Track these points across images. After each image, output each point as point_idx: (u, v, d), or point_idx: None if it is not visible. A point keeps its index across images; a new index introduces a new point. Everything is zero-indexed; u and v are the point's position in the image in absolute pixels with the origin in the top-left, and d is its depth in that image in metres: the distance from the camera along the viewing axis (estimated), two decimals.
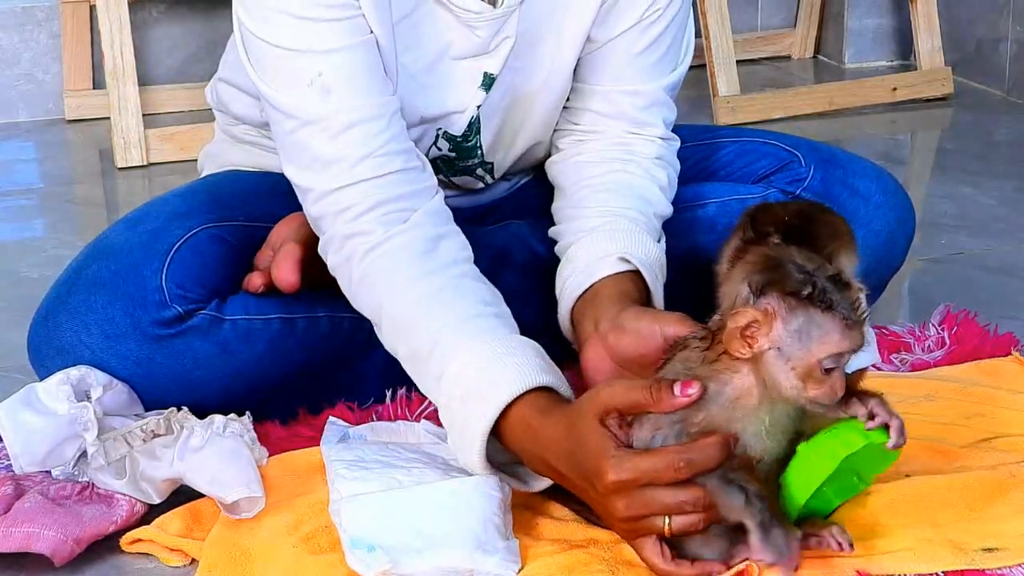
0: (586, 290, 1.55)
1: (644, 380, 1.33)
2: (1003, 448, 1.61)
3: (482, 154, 1.72)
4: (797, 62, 3.64)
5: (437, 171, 1.68)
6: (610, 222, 1.60)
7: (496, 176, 1.78)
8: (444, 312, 1.47)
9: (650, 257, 1.57)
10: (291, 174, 1.58)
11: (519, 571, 1.38)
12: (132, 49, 2.93)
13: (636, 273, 1.55)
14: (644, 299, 1.54)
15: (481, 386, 1.40)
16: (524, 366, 1.41)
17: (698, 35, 3.25)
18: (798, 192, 1.78)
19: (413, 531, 1.39)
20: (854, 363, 1.46)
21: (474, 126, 1.68)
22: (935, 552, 1.40)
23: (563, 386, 1.42)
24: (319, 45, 1.51)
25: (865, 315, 1.30)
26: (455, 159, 1.71)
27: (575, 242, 1.61)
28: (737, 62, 3.17)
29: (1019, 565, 1.40)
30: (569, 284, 1.57)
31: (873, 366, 1.76)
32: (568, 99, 1.72)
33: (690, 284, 1.52)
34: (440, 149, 1.69)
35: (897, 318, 2.04)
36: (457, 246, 1.55)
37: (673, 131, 1.77)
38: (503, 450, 1.43)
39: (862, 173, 1.81)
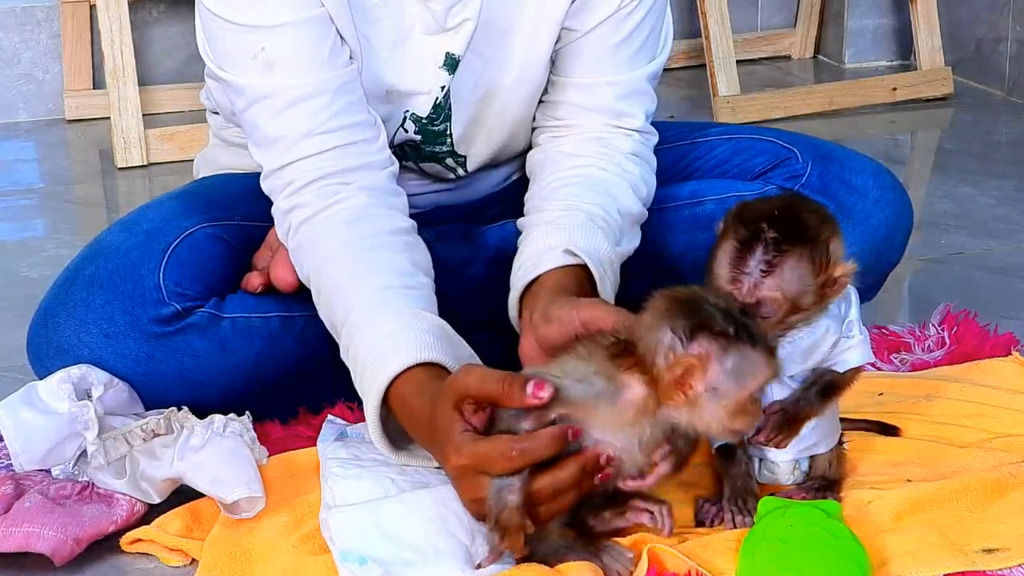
0: (531, 282, 1.55)
1: (500, 373, 1.33)
2: (1003, 448, 1.61)
3: (451, 143, 1.72)
4: (797, 62, 3.64)
5: (405, 157, 1.70)
6: (565, 216, 1.59)
7: (469, 169, 1.77)
8: (355, 286, 1.50)
9: (598, 252, 1.56)
10: (252, 153, 1.62)
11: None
12: (132, 49, 2.93)
13: (583, 267, 1.54)
14: (588, 292, 1.53)
15: (372, 362, 1.43)
16: (411, 343, 1.42)
17: (698, 35, 3.26)
18: (796, 188, 1.78)
19: (402, 544, 1.39)
20: (847, 362, 1.47)
21: (441, 109, 1.68)
22: (935, 555, 1.40)
23: (451, 361, 1.43)
24: (265, 20, 1.54)
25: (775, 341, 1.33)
26: (421, 143, 1.72)
27: (528, 234, 1.61)
28: (737, 62, 3.17)
29: (1020, 566, 1.40)
30: (517, 276, 1.57)
31: (872, 366, 1.77)
32: (546, 93, 1.72)
33: (689, 281, 1.52)
34: (407, 131, 1.70)
35: (897, 318, 2.04)
36: (389, 218, 1.57)
37: (670, 128, 1.76)
38: None
39: (859, 169, 1.81)
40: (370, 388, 1.43)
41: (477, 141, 1.73)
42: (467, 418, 1.33)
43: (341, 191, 1.56)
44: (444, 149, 1.73)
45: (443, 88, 1.66)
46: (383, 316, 1.46)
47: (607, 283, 1.55)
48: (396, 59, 1.63)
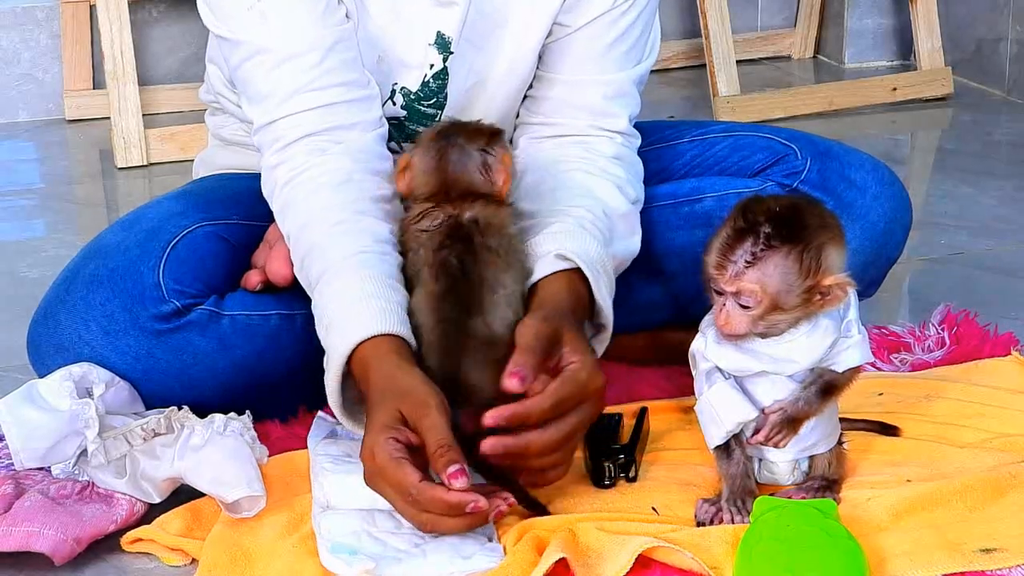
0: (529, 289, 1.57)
1: (445, 437, 1.37)
2: (1003, 448, 1.61)
3: None
4: (797, 62, 3.64)
5: (389, 138, 1.70)
6: (553, 222, 1.60)
7: None
8: (334, 247, 1.52)
9: (589, 254, 1.57)
10: (244, 109, 1.65)
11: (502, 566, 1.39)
12: (132, 49, 2.93)
13: (577, 270, 1.55)
14: (582, 294, 1.54)
15: (340, 321, 1.46)
16: (383, 312, 1.45)
17: (698, 35, 3.26)
18: (795, 185, 1.78)
19: (392, 546, 1.40)
20: (846, 362, 1.47)
21: (432, 92, 1.69)
22: (932, 554, 1.40)
23: (412, 337, 1.46)
24: None
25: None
26: (405, 120, 1.72)
27: None
28: (737, 62, 3.17)
29: (1018, 566, 1.39)
30: None
31: (872, 366, 1.77)
32: (532, 88, 1.73)
33: (689, 277, 1.52)
34: (395, 104, 1.71)
35: (897, 318, 2.04)
36: (372, 183, 1.59)
37: (669, 127, 1.76)
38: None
39: (858, 165, 1.81)
40: (337, 346, 1.45)
41: None
42: (401, 433, 1.38)
43: (328, 149, 1.58)
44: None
45: (432, 67, 1.67)
46: (358, 278, 1.48)
47: (601, 284, 1.55)
48: (389, 26, 1.65)
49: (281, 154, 1.60)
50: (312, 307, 1.53)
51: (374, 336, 1.44)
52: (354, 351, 1.44)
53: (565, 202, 1.62)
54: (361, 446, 1.40)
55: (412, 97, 1.70)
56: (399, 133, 1.74)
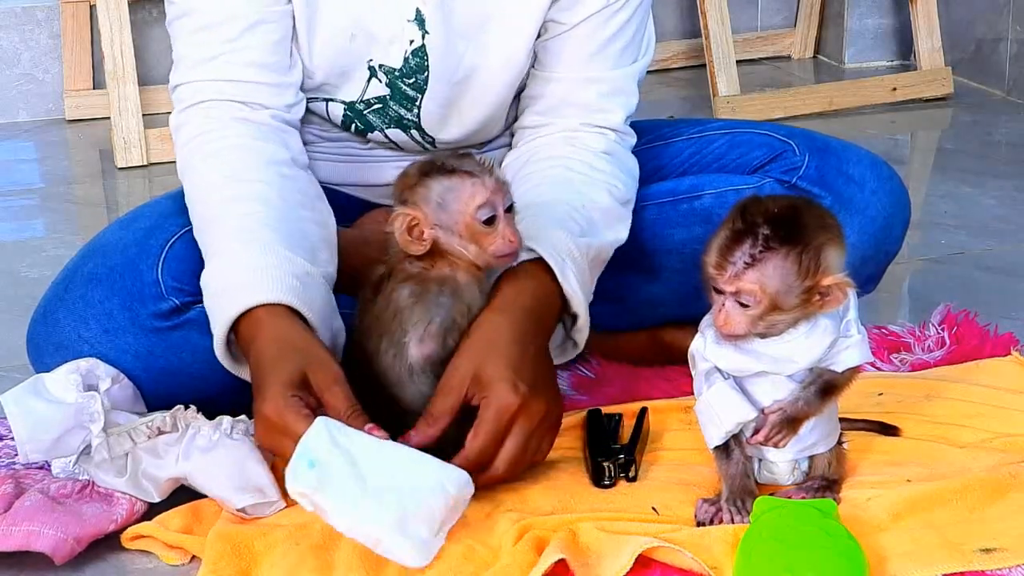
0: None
1: (350, 403, 1.41)
2: (1003, 448, 1.61)
3: (419, 115, 1.73)
4: (797, 62, 3.64)
5: (371, 127, 1.72)
6: (524, 217, 1.60)
7: (438, 147, 1.78)
8: (227, 217, 1.55)
9: (554, 243, 1.56)
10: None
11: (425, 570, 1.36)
12: (132, 49, 2.93)
13: (544, 261, 1.55)
14: (546, 283, 1.54)
15: (235, 285, 1.48)
16: (277, 281, 1.48)
17: (698, 35, 3.26)
18: (794, 181, 1.78)
19: (356, 475, 1.35)
20: (846, 361, 1.47)
21: (409, 65, 1.69)
22: (932, 554, 1.40)
23: (308, 311, 1.48)
24: None
25: (491, 164, 1.47)
26: (388, 99, 1.72)
27: None
28: (737, 62, 3.17)
29: (1018, 566, 1.39)
30: None
31: (872, 366, 1.77)
32: (528, 88, 1.73)
33: (688, 274, 1.52)
34: (380, 81, 1.71)
35: (897, 318, 2.04)
36: (274, 146, 1.62)
37: (667, 125, 1.76)
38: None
39: (856, 160, 1.81)
40: (225, 311, 1.47)
41: (449, 123, 1.74)
42: (305, 396, 1.40)
43: (224, 117, 1.62)
44: (411, 118, 1.73)
45: (412, 42, 1.67)
46: (252, 250, 1.50)
47: (567, 272, 1.55)
48: (365, 2, 1.66)
49: (180, 116, 1.65)
50: (203, 275, 1.54)
51: (267, 304, 1.46)
52: (245, 317, 1.47)
53: (540, 196, 1.63)
54: (258, 399, 1.41)
55: (395, 74, 1.70)
56: (381, 117, 1.74)
